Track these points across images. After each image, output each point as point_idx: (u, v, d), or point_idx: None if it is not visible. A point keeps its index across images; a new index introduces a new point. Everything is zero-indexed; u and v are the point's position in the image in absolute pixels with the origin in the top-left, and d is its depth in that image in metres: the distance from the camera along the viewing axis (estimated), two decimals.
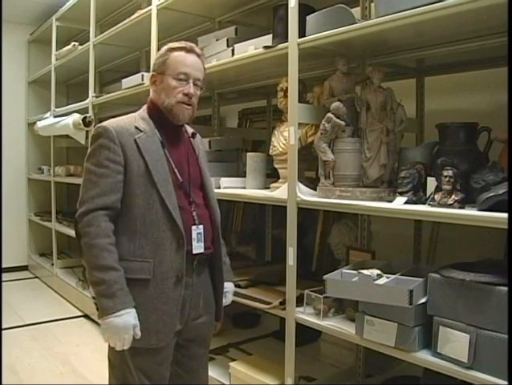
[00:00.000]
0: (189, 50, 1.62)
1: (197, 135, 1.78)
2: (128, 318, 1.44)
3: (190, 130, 1.76)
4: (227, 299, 1.83)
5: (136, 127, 1.57)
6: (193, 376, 1.72)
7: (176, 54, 1.60)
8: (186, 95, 1.59)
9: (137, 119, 1.62)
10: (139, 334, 1.47)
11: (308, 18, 1.99)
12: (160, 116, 1.62)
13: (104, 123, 1.57)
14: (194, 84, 1.61)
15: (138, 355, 1.53)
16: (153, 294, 1.51)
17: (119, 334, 1.44)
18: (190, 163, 1.66)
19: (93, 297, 1.49)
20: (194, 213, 1.60)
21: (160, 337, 1.53)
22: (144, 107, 1.68)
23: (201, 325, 1.67)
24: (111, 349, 1.58)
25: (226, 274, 1.78)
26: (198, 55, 1.65)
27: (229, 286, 1.83)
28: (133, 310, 1.47)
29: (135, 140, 1.54)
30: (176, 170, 1.59)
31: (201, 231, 1.61)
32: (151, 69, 1.66)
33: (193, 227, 1.59)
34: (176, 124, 1.65)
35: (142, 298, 1.50)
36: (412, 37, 1.91)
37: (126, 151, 1.52)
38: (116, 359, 1.58)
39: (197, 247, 1.59)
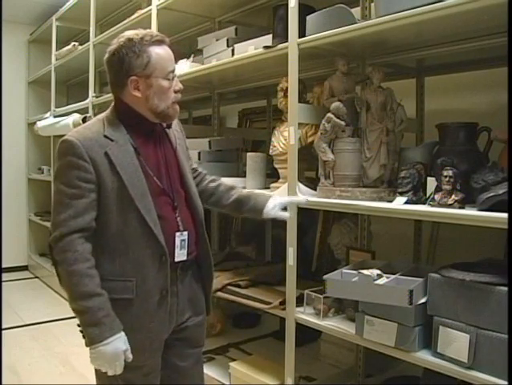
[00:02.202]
0: (162, 41, 1.47)
1: (171, 124, 1.60)
2: (118, 344, 1.37)
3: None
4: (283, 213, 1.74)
5: (106, 136, 1.43)
6: (185, 377, 1.66)
7: (156, 50, 1.44)
8: (177, 91, 1.49)
9: (106, 126, 1.46)
10: (130, 356, 1.40)
11: (308, 18, 1.99)
12: (134, 120, 1.48)
13: (70, 137, 1.40)
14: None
15: (126, 371, 1.44)
16: (138, 314, 1.43)
17: (110, 362, 1.37)
18: (168, 161, 1.54)
19: (78, 325, 1.40)
20: (179, 219, 1.51)
21: (147, 355, 1.48)
22: (111, 109, 1.52)
23: (190, 327, 1.61)
24: None
25: (256, 199, 1.71)
26: (169, 45, 1.50)
27: (270, 202, 1.71)
28: (122, 334, 1.39)
29: (106, 153, 1.40)
30: (155, 178, 1.48)
31: (185, 238, 1.52)
32: (121, 71, 1.45)
33: (177, 234, 1.50)
34: (155, 124, 1.53)
35: (127, 318, 1.42)
36: (412, 37, 1.91)
37: (97, 167, 1.39)
38: (103, 372, 1.50)
39: (180, 255, 1.51)
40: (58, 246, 1.37)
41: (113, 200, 1.41)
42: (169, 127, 1.60)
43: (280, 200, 1.77)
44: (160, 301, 1.46)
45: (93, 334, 1.35)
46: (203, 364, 1.77)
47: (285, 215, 1.77)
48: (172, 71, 1.47)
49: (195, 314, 1.63)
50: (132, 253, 1.42)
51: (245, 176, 2.56)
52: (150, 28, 2.99)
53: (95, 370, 1.55)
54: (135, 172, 1.43)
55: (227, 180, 2.54)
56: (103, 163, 1.40)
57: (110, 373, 1.40)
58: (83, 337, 1.40)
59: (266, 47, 2.16)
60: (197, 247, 1.60)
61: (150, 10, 2.98)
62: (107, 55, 1.50)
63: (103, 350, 1.35)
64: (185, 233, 1.52)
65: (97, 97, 3.91)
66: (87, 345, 1.38)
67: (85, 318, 1.36)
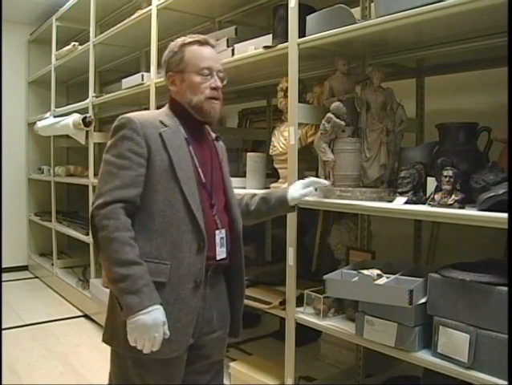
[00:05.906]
0: (204, 43, 1.56)
1: (221, 139, 1.72)
2: (157, 314, 1.34)
3: (213, 134, 1.70)
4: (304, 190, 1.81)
5: (161, 122, 1.50)
6: None
7: (191, 48, 1.54)
8: (214, 89, 1.54)
9: (161, 114, 1.56)
10: (168, 332, 1.37)
11: (308, 18, 1.99)
12: (185, 114, 1.56)
13: (128, 115, 1.49)
14: (217, 76, 1.57)
15: (146, 370, 1.43)
16: (168, 299, 1.40)
17: (149, 333, 1.33)
18: (213, 165, 1.59)
19: (116, 297, 1.39)
20: (216, 217, 1.53)
21: (173, 346, 1.41)
22: (167, 105, 1.61)
23: (214, 340, 1.57)
24: (114, 367, 1.51)
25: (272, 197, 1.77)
26: (213, 46, 1.59)
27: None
28: (161, 307, 1.36)
29: (160, 134, 1.47)
30: (199, 169, 1.52)
31: (224, 235, 1.53)
32: (165, 69, 1.59)
33: (217, 231, 1.51)
34: (202, 122, 1.59)
35: None
36: (412, 37, 1.91)
37: (150, 144, 1.44)
38: (119, 379, 1.48)
39: (221, 252, 1.52)
40: (101, 213, 1.38)
41: (159, 180, 1.44)
42: (217, 140, 1.69)
43: (301, 181, 1.85)
44: (193, 290, 1.44)
45: (133, 302, 1.32)
46: (223, 374, 1.73)
47: (309, 189, 1.82)
48: (208, 68, 1.53)
49: (220, 327, 1.60)
50: (171, 236, 1.43)
51: (245, 176, 2.56)
52: (150, 28, 2.99)
53: (110, 380, 1.52)
54: (184, 157, 1.49)
55: None
56: (156, 141, 1.46)
57: (147, 349, 1.35)
58: (121, 308, 1.36)
59: (266, 47, 2.16)
60: (230, 256, 1.58)
61: (150, 10, 2.98)
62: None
63: (142, 319, 1.32)
64: (223, 230, 1.54)
65: (97, 97, 3.91)
66: (124, 316, 1.35)
67: (124, 285, 1.33)
